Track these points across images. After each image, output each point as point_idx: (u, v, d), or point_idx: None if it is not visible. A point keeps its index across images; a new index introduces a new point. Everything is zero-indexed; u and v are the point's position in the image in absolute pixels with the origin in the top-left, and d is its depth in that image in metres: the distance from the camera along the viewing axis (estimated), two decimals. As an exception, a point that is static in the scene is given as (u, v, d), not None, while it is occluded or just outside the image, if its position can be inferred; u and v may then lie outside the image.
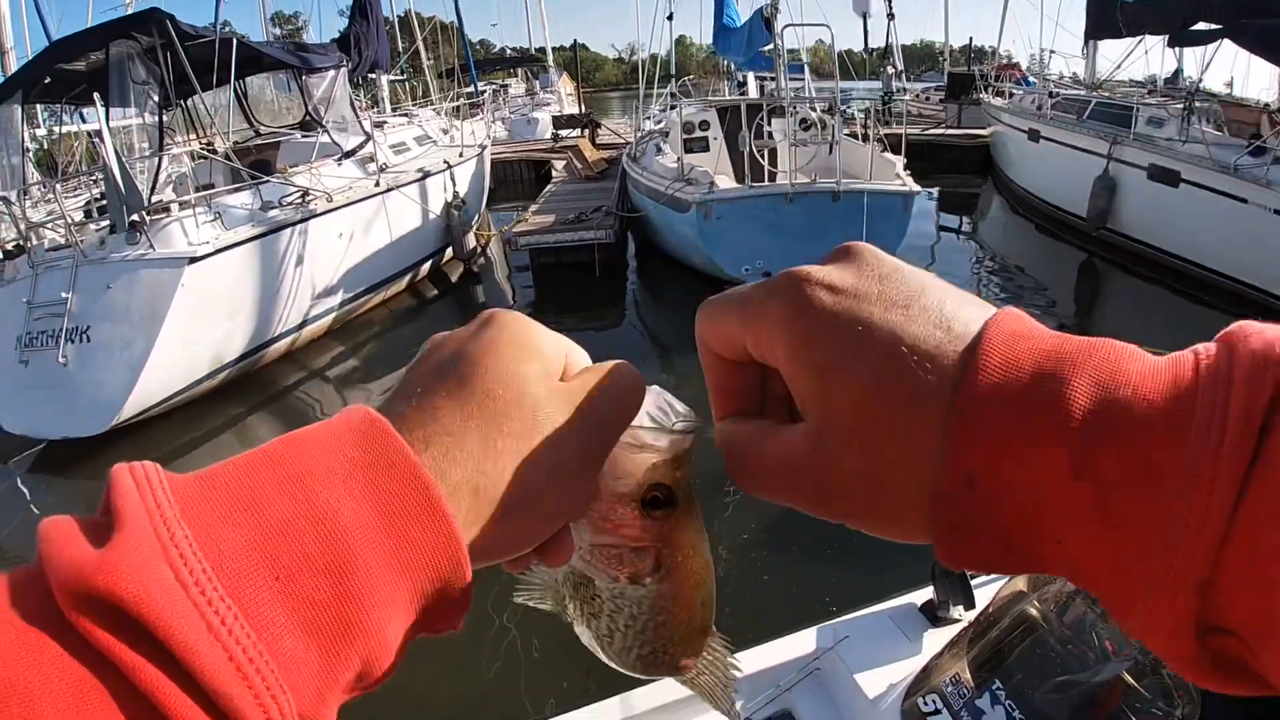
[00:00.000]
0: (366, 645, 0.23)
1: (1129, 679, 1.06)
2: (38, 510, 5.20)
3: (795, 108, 8.55)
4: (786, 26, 10.32)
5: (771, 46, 10.33)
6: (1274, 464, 0.20)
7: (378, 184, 8.39)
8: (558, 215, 9.78)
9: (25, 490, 5.55)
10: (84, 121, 9.21)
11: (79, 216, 7.29)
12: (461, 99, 14.45)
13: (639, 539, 0.33)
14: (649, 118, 12.85)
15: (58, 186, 6.88)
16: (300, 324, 7.40)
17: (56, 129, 9.64)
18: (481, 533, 0.26)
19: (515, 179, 17.03)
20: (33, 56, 7.55)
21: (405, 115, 12.03)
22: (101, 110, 6.45)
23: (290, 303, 7.16)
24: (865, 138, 8.87)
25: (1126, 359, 0.24)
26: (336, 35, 10.75)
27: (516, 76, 32.66)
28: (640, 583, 0.34)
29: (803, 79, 11.98)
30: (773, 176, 8.08)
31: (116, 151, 6.16)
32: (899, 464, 0.26)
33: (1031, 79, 17.27)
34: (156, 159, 6.64)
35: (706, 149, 9.36)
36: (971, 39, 33.39)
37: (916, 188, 7.60)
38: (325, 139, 8.60)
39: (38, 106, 8.49)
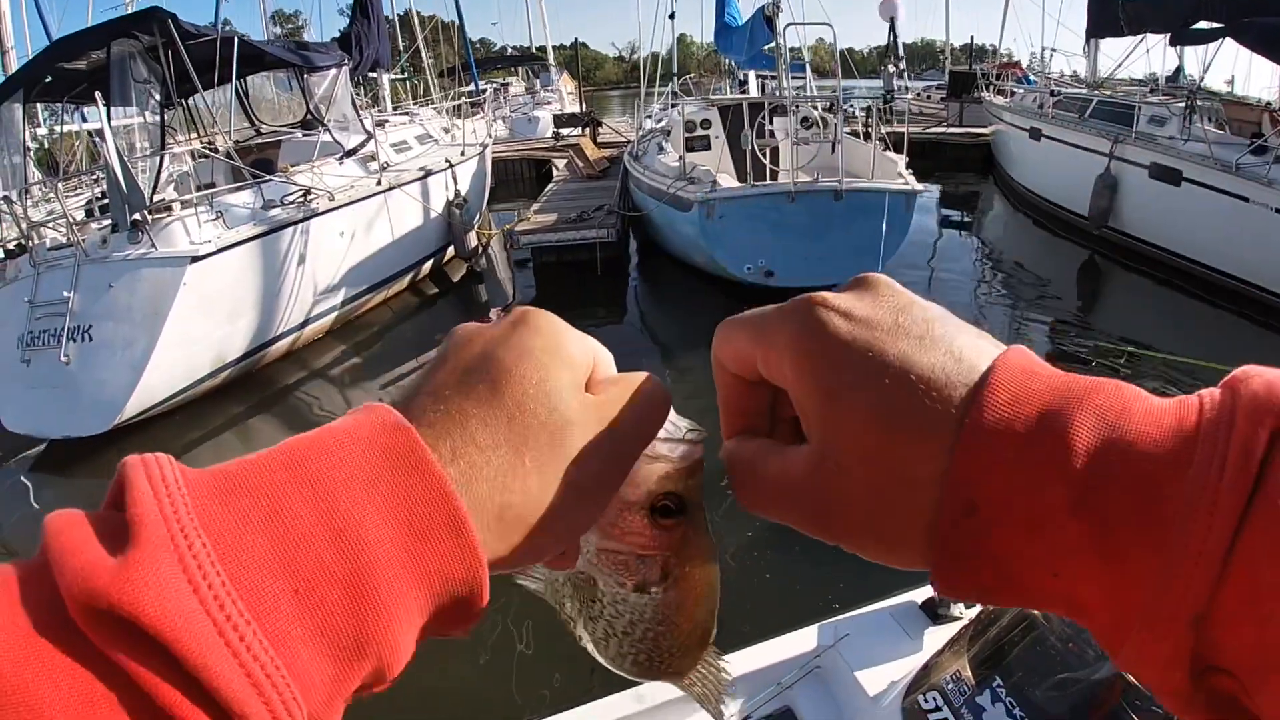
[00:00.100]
0: (380, 657, 0.23)
1: (1128, 677, 1.07)
2: (40, 510, 5.20)
3: (797, 106, 8.54)
4: (788, 25, 10.32)
5: (773, 45, 10.34)
6: (1273, 499, 0.21)
7: (379, 183, 8.37)
8: (559, 214, 9.78)
9: (27, 490, 5.55)
10: (85, 120, 9.23)
11: (80, 215, 7.27)
12: (462, 98, 14.40)
13: (647, 547, 0.33)
14: (650, 116, 12.81)
15: (59, 186, 6.88)
16: (302, 323, 7.40)
17: (57, 128, 9.64)
18: (499, 548, 0.26)
19: (516, 178, 17.02)
20: (34, 55, 7.56)
21: (406, 114, 11.99)
22: (103, 109, 6.43)
23: (292, 302, 7.16)
24: (867, 136, 8.84)
25: (1132, 399, 0.24)
26: (337, 34, 10.76)
27: (517, 75, 32.59)
28: (646, 591, 0.34)
29: (804, 77, 11.95)
30: (775, 175, 8.06)
31: (118, 150, 6.15)
32: (900, 490, 0.26)
33: (1033, 77, 17.24)
34: (158, 158, 6.64)
35: (708, 148, 9.35)
36: (973, 37, 33.28)
37: (919, 186, 7.59)
38: (327, 138, 8.59)
39: (39, 106, 8.48)
